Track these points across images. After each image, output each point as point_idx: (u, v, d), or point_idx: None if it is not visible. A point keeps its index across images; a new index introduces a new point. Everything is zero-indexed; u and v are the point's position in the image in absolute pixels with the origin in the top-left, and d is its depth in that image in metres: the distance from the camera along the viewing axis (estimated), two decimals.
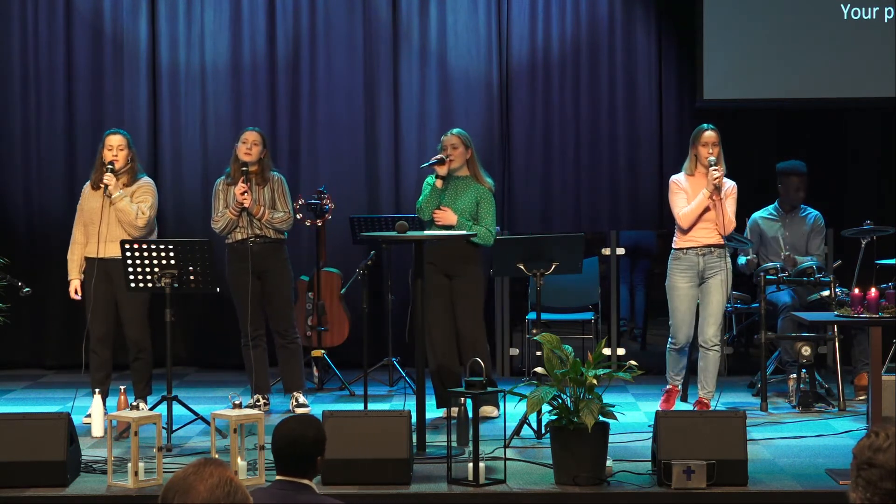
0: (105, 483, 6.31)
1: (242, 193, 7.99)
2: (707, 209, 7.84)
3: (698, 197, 7.84)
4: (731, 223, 7.91)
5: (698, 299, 7.89)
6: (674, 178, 8.04)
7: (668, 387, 7.96)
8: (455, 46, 10.11)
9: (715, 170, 7.76)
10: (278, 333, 8.27)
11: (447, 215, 7.93)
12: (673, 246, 7.99)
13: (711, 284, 7.84)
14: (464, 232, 7.82)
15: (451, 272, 7.97)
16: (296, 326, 8.42)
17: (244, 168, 8.04)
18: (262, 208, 8.07)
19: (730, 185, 7.93)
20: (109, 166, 7.84)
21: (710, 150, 7.82)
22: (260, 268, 8.11)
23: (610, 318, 9.95)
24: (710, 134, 7.88)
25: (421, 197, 8.07)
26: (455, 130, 8.18)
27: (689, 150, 7.99)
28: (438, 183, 7.94)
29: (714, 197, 7.80)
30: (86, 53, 10.17)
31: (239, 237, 8.12)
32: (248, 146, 8.09)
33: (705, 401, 7.88)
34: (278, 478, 4.13)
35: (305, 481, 4.08)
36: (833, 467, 6.52)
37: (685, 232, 7.89)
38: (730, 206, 7.90)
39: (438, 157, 7.96)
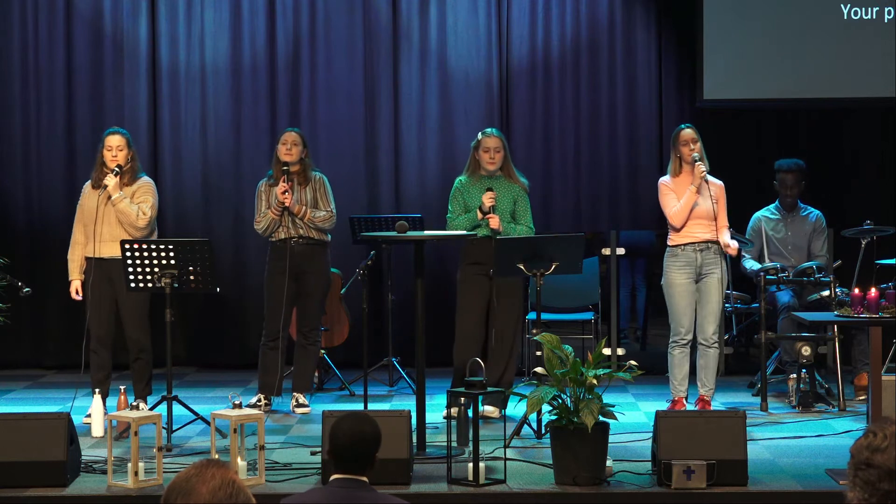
0: (105, 483, 6.31)
1: (283, 193, 8.02)
2: (697, 204, 7.86)
3: (686, 194, 7.87)
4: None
5: (696, 295, 7.90)
6: (662, 180, 8.07)
7: (674, 398, 7.94)
8: (455, 46, 10.11)
9: (700, 164, 7.81)
10: (302, 333, 8.29)
11: (495, 221, 7.94)
12: (668, 244, 8.01)
13: (709, 282, 7.86)
14: (464, 232, 7.85)
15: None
16: (319, 330, 8.43)
17: (285, 167, 8.08)
18: (304, 208, 8.10)
19: (717, 186, 7.96)
20: (116, 169, 7.84)
21: (692, 147, 7.86)
22: (299, 268, 8.13)
23: (610, 318, 9.95)
24: (688, 132, 7.94)
25: (454, 219, 8.03)
26: (495, 132, 8.14)
27: (671, 153, 8.02)
28: (480, 215, 7.93)
29: (695, 192, 7.83)
30: (86, 53, 10.17)
31: (282, 236, 8.15)
32: (288, 147, 8.14)
33: (706, 398, 7.88)
34: (335, 476, 4.13)
35: (363, 478, 4.10)
36: (833, 467, 6.51)
37: (679, 229, 7.93)
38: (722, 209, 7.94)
39: (489, 207, 7.92)
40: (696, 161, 7.83)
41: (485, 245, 7.92)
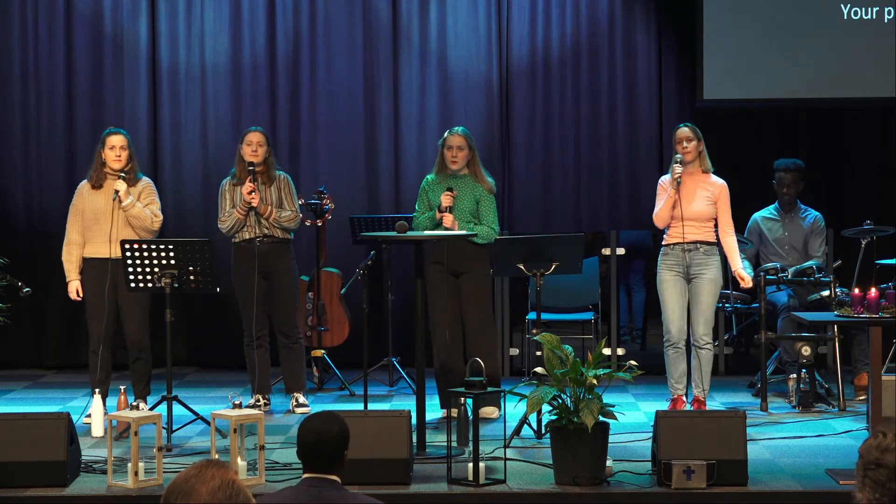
0: (105, 483, 6.31)
1: (250, 193, 8.01)
2: (675, 206, 7.84)
3: (664, 196, 7.88)
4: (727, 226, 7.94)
5: (687, 294, 7.89)
6: (661, 178, 8.07)
7: (673, 396, 7.95)
8: (455, 46, 10.11)
9: (676, 166, 7.80)
10: (282, 333, 8.28)
11: (448, 219, 7.91)
12: (662, 243, 8.02)
13: (700, 282, 7.85)
14: (464, 232, 7.83)
15: (458, 271, 7.98)
16: (299, 327, 8.43)
17: (251, 167, 8.06)
18: (270, 207, 8.10)
19: (718, 187, 7.95)
20: (123, 175, 7.84)
21: (685, 146, 7.85)
22: (267, 268, 8.13)
23: (610, 318, 9.95)
24: (682, 130, 7.95)
25: (417, 217, 8.03)
26: (460, 130, 8.13)
27: (674, 151, 8.02)
28: (438, 216, 7.90)
29: (673, 193, 7.82)
30: (86, 53, 10.17)
31: (246, 237, 8.15)
32: (254, 147, 8.11)
33: (701, 398, 7.88)
34: (306, 476, 4.14)
35: (333, 477, 4.11)
36: (833, 467, 6.52)
37: (662, 230, 7.93)
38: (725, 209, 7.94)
39: (447, 208, 7.90)
40: (675, 162, 7.85)
41: (442, 244, 7.89)
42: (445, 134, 8.14)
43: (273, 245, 8.16)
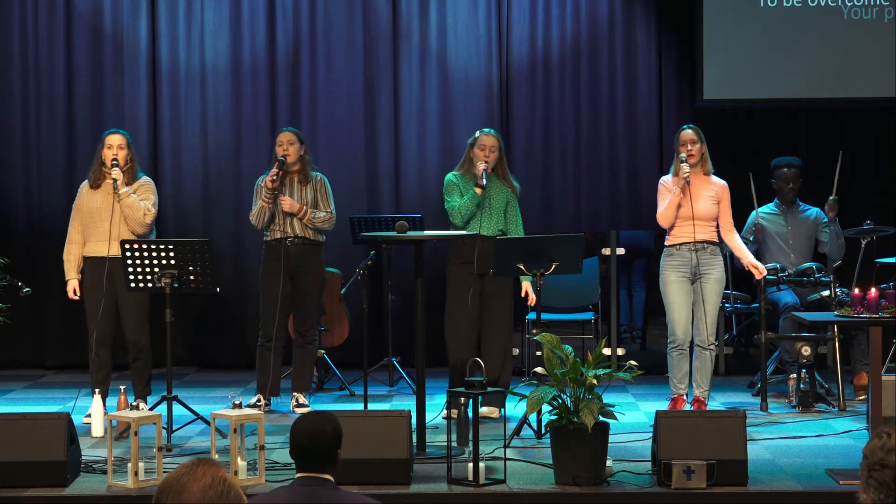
0: (105, 483, 6.32)
1: (273, 180, 8.03)
2: (681, 206, 7.85)
3: (669, 196, 7.87)
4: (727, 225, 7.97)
5: (692, 295, 7.90)
6: (662, 179, 8.07)
7: (673, 395, 7.95)
8: (455, 46, 10.11)
9: (684, 165, 7.80)
10: (299, 333, 8.30)
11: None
12: (665, 243, 8.01)
13: (707, 283, 7.86)
14: (463, 232, 7.84)
15: (484, 272, 7.98)
16: (317, 329, 8.43)
17: (281, 158, 8.09)
18: (305, 207, 8.11)
19: (719, 186, 7.97)
20: (114, 162, 7.85)
21: (689, 149, 7.87)
22: (295, 268, 8.14)
23: (610, 318, 9.95)
24: (686, 133, 7.96)
25: (456, 202, 8.02)
26: (493, 132, 8.15)
27: (675, 152, 8.02)
28: (478, 190, 7.95)
29: (679, 192, 7.83)
30: (86, 53, 10.17)
31: (278, 236, 8.16)
32: (285, 147, 8.16)
33: (702, 399, 7.89)
34: (299, 475, 4.14)
35: (326, 476, 4.11)
36: (833, 467, 6.52)
37: (667, 230, 7.94)
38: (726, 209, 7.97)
39: (482, 182, 7.91)
40: (682, 161, 7.85)
41: (474, 244, 7.91)
42: (477, 133, 8.14)
43: (304, 246, 8.18)
